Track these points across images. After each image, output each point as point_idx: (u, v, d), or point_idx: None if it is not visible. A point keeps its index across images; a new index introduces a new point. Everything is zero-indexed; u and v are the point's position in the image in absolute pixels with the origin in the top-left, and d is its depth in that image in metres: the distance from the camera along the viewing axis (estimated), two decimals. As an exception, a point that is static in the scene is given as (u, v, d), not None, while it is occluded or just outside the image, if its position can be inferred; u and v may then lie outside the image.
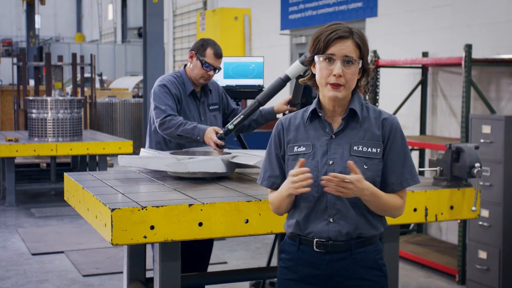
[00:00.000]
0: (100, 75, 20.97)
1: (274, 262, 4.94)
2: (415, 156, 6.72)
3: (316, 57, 2.39)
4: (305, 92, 4.31)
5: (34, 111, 8.29)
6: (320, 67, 2.37)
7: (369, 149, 2.39)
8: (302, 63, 3.75)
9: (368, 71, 2.44)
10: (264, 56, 4.99)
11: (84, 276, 5.57)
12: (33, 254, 6.21)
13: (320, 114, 2.44)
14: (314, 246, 2.40)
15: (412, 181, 2.45)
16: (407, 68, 6.83)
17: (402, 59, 6.51)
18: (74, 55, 10.22)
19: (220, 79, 4.65)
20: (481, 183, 4.94)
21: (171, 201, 2.98)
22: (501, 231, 4.92)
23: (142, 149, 3.96)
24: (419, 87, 6.68)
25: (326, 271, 2.41)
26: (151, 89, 4.30)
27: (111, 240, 2.78)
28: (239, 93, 4.65)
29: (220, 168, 3.54)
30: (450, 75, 6.47)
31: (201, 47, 4.04)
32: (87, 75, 18.55)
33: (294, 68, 3.79)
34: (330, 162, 2.37)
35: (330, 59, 2.35)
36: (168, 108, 3.93)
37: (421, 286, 5.41)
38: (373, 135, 2.41)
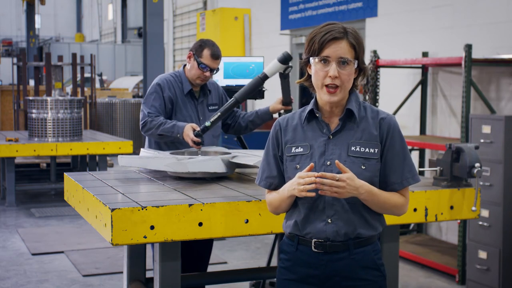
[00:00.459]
0: (100, 75, 20.96)
1: (274, 262, 4.93)
2: (415, 156, 6.72)
3: (311, 59, 2.39)
4: (305, 92, 4.31)
5: (34, 111, 8.29)
6: (315, 68, 2.37)
7: (367, 150, 2.39)
8: (281, 61, 3.78)
9: (364, 70, 2.44)
10: (264, 56, 4.99)
11: (84, 276, 5.57)
12: (33, 254, 6.21)
13: (317, 115, 2.43)
14: (312, 247, 2.40)
15: (412, 179, 2.45)
16: (407, 68, 6.83)
17: (402, 59, 6.51)
18: (74, 55, 10.22)
19: (220, 79, 4.65)
20: (481, 183, 4.94)
21: (171, 201, 2.99)
22: (501, 231, 4.92)
23: (142, 149, 3.97)
24: (419, 87, 6.67)
25: (325, 271, 2.40)
26: (151, 89, 4.32)
27: (111, 240, 2.78)
28: (239, 93, 4.64)
29: (220, 168, 3.55)
30: (450, 75, 6.47)
31: (199, 47, 4.07)
32: (87, 75, 18.54)
33: (273, 66, 3.83)
34: (328, 163, 2.37)
35: (325, 61, 2.35)
36: (153, 109, 4.00)
37: (421, 286, 5.41)
38: (370, 136, 2.41)
